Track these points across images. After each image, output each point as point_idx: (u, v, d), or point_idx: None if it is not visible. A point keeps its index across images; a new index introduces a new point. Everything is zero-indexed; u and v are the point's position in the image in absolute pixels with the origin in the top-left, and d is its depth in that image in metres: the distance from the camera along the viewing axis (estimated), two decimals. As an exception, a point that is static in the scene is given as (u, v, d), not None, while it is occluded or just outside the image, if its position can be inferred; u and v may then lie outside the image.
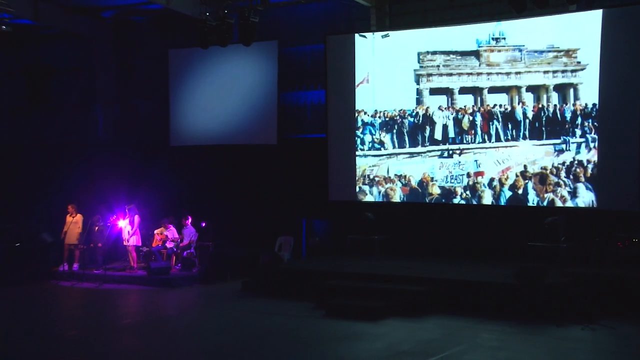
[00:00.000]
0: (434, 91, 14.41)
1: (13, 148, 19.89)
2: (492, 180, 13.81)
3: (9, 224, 16.18)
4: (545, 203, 13.25)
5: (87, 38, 18.64)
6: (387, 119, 14.87)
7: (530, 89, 13.48)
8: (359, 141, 15.14)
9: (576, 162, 12.96)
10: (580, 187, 12.93)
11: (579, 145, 12.96)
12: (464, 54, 14.06)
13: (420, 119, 14.52)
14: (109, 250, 15.70)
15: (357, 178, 15.13)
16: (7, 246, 15.46)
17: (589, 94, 12.82)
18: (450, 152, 14.22)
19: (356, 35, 15.19)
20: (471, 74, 14.01)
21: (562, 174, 13.10)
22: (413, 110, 14.58)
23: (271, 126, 16.39)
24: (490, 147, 13.85)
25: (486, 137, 13.89)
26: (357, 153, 15.14)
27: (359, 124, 15.14)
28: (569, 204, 13.02)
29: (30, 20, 16.62)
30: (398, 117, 14.74)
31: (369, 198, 15.04)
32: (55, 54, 19.45)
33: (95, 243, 15.38)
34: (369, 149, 15.05)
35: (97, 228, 15.38)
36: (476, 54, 13.94)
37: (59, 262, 15.56)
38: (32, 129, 20.00)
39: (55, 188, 18.61)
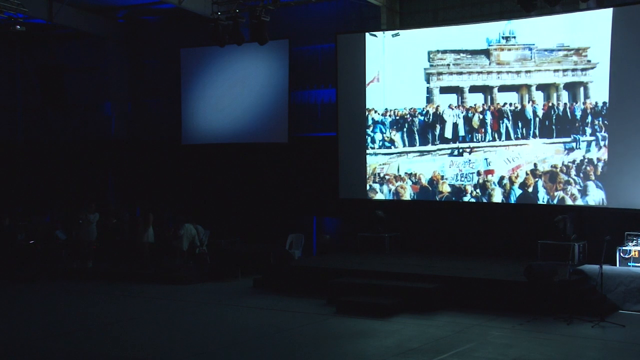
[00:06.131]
0: (444, 90, 14.45)
1: (27, 146, 20.12)
2: (502, 178, 13.84)
3: (23, 222, 16.37)
4: (555, 201, 13.27)
5: (100, 38, 18.81)
6: (397, 118, 14.92)
7: (541, 87, 13.50)
8: (369, 139, 15.20)
9: (586, 160, 12.97)
10: (591, 185, 12.93)
11: (589, 143, 12.97)
12: (474, 52, 14.09)
13: (431, 117, 14.57)
14: (122, 247, 15.84)
15: (367, 176, 15.20)
16: (21, 243, 15.65)
17: (599, 92, 12.83)
18: (461, 150, 14.27)
19: (367, 34, 15.25)
20: (481, 72, 14.03)
21: (572, 172, 13.11)
22: (423, 108, 14.63)
23: (282, 124, 16.48)
24: (500, 146, 13.88)
25: (496, 136, 13.92)
26: (367, 151, 15.21)
27: (370, 122, 15.20)
28: (579, 202, 13.04)
29: (44, 20, 16.78)
30: (408, 116, 14.80)
31: (379, 196, 15.11)
32: (68, 54, 19.62)
33: (108, 240, 15.51)
34: (380, 148, 15.12)
35: (110, 225, 15.52)
36: (486, 52, 13.97)
37: (73, 259, 15.73)
38: (45, 128, 20.21)
39: (69, 186, 18.82)
